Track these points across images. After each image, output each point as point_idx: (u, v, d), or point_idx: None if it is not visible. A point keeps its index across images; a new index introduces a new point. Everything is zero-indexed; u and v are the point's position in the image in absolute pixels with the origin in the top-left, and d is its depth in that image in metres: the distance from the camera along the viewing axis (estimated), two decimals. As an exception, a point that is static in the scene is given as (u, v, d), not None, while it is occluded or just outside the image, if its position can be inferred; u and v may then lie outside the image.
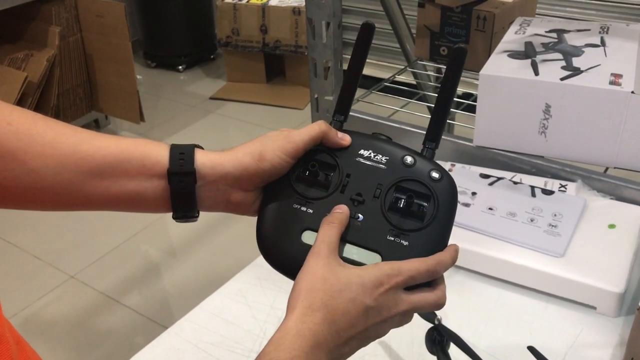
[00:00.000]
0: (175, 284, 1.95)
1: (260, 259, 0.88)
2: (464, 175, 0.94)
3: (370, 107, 1.17)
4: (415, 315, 0.68)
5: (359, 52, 0.56)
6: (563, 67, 0.92)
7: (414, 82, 1.42)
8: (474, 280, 0.83)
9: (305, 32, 1.21)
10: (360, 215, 0.53)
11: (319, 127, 0.54)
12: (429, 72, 1.36)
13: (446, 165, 0.98)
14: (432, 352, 0.67)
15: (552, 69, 0.92)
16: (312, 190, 0.54)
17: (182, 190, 0.52)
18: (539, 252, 0.80)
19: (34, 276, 1.98)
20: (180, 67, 3.38)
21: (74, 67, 2.58)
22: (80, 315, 1.84)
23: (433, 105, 0.58)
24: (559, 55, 0.95)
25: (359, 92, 1.21)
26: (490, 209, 0.87)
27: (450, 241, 0.84)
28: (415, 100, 1.29)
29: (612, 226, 0.83)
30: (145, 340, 0.76)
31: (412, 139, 1.06)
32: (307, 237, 0.52)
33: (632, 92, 0.85)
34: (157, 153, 0.52)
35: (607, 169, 0.93)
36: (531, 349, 0.63)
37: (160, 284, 1.97)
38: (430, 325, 0.68)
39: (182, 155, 0.52)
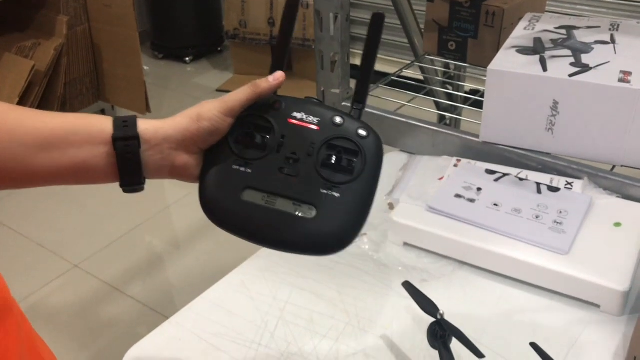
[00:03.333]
0: (178, 275, 1.95)
1: (263, 251, 0.88)
2: (470, 171, 0.94)
3: (377, 101, 1.16)
4: (419, 311, 0.69)
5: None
6: (572, 64, 0.91)
7: (421, 77, 1.41)
8: (478, 276, 0.83)
9: (313, 26, 1.21)
10: (295, 172, 0.57)
11: (252, 86, 0.58)
12: (436, 67, 1.35)
13: (452, 161, 0.98)
14: (434, 346, 0.67)
15: (560, 66, 0.91)
16: (249, 151, 0.59)
17: (128, 155, 0.54)
18: (544, 249, 0.79)
19: (38, 264, 1.99)
20: (187, 58, 3.38)
21: (81, 56, 2.58)
22: (83, 305, 1.84)
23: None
24: (568, 52, 0.94)
25: (366, 85, 1.21)
26: (496, 205, 0.86)
27: (456, 237, 0.84)
28: (423, 95, 1.28)
29: (617, 224, 0.83)
30: (147, 330, 0.76)
31: (418, 134, 1.05)
32: (248, 195, 0.57)
33: (641, 90, 0.84)
34: (102, 122, 0.55)
35: (614, 167, 0.93)
36: (533, 345, 0.62)
37: (164, 274, 1.97)
38: (432, 320, 0.67)
39: (125, 123, 0.55)
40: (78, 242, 2.08)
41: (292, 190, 0.57)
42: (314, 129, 0.59)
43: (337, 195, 0.57)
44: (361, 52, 0.60)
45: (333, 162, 0.57)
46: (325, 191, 0.57)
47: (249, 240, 0.58)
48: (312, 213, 0.57)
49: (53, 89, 2.46)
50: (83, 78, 2.63)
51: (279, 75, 0.60)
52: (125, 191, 0.57)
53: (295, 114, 0.59)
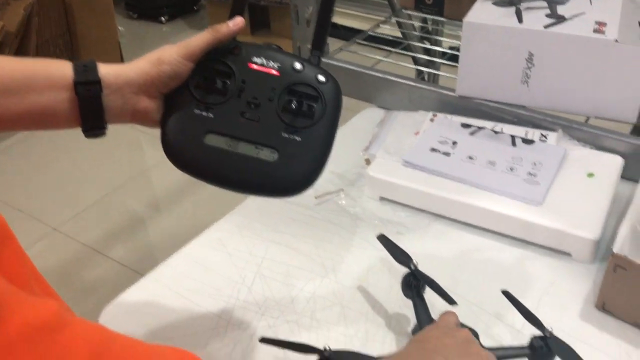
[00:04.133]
0: (159, 236, 1.95)
1: (240, 208, 0.88)
2: (446, 125, 0.94)
3: (354, 57, 1.15)
4: (394, 263, 0.69)
5: None
6: (547, 15, 0.91)
7: (399, 34, 1.40)
8: (453, 228, 0.83)
9: (288, -20, 1.18)
10: (256, 116, 0.58)
11: (212, 31, 0.59)
12: (413, 22, 1.34)
13: (428, 116, 0.97)
14: (408, 296, 0.68)
15: (536, 17, 0.90)
16: (210, 96, 0.59)
17: (89, 99, 0.54)
18: (518, 201, 0.80)
19: (16, 229, 1.95)
20: (162, 18, 3.31)
21: (53, 17, 2.51)
22: (64, 268, 1.84)
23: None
24: (544, 4, 0.94)
25: (342, 42, 1.20)
26: (470, 158, 0.87)
27: (431, 190, 0.85)
28: (400, 50, 1.27)
29: (590, 175, 0.83)
30: (130, 291, 0.76)
31: (395, 89, 1.05)
32: (210, 139, 0.58)
33: (616, 41, 0.84)
34: (62, 67, 0.55)
35: (588, 118, 0.93)
36: (505, 293, 0.63)
37: (145, 236, 1.97)
38: (407, 270, 0.68)
39: (85, 67, 0.55)
40: (56, 205, 2.07)
41: (254, 134, 0.58)
42: (274, 75, 0.59)
43: (298, 139, 0.58)
44: (337, 9, 0.60)
45: (294, 107, 0.58)
46: (286, 135, 0.58)
47: (212, 184, 0.59)
48: (274, 156, 0.58)
49: (25, 51, 2.40)
50: (56, 39, 2.56)
51: (239, 20, 0.60)
52: (87, 136, 0.57)
53: (255, 59, 0.60)
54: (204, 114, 0.58)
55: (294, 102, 0.59)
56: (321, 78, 0.60)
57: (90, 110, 0.54)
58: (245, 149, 0.58)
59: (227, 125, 0.58)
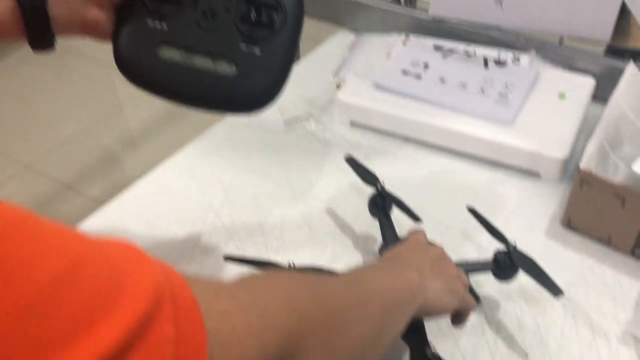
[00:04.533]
0: (135, 173, 1.92)
1: (207, 134, 0.87)
2: (418, 48, 0.91)
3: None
4: (363, 185, 0.68)
5: None
6: None
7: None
8: (424, 151, 0.83)
9: None
10: (213, 27, 0.55)
11: None
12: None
13: (400, 38, 0.95)
14: (374, 215, 0.67)
15: None
16: (164, 5, 0.56)
17: (33, 9, 0.51)
18: (488, 121, 0.79)
19: (-12, 167, 1.94)
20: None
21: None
22: (38, 205, 1.82)
23: None
24: None
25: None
26: (442, 80, 0.85)
27: (402, 113, 0.83)
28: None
29: (562, 96, 0.82)
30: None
31: (368, 12, 1.02)
32: (164, 52, 0.55)
33: (591, -45, 0.81)
34: None
35: (561, 40, 0.92)
36: (471, 210, 0.63)
37: (121, 172, 1.95)
38: (372, 192, 0.68)
39: None
40: (28, 142, 2.03)
41: (210, 46, 0.55)
42: None
43: (257, 51, 0.55)
44: None
45: (252, 17, 0.55)
46: (244, 47, 0.55)
47: (168, 99, 0.56)
48: (232, 70, 0.55)
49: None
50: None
51: None
52: (35, 50, 0.54)
53: None
54: (158, 24, 0.55)
55: (253, 11, 0.56)
56: None
57: (34, 21, 0.51)
58: (201, 62, 0.55)
59: (182, 37, 0.55)
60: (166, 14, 0.56)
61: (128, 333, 0.26)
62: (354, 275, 0.48)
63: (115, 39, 0.56)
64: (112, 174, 1.92)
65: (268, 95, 0.57)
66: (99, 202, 0.77)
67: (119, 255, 0.29)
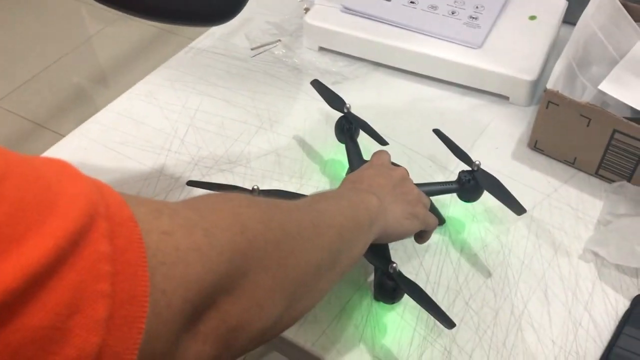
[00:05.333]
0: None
1: (172, 61, 0.84)
2: (388, -31, 0.88)
3: None
4: (331, 110, 0.67)
5: None
6: None
7: None
8: (393, 77, 0.81)
9: None
10: None
11: None
12: None
13: (370, -40, 0.92)
14: (341, 140, 0.67)
15: None
16: None
17: None
18: (458, 44, 0.78)
19: (-46, 105, 1.88)
20: None
21: None
22: (8, 143, 1.78)
23: None
24: None
25: None
26: (412, 2, 0.83)
27: (371, 37, 0.81)
28: None
29: (532, 17, 0.81)
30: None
31: None
32: None
33: None
34: None
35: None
36: (436, 131, 0.63)
37: (93, 109, 1.90)
38: (340, 115, 0.67)
39: None
40: (-5, 79, 1.97)
41: None
42: None
43: None
44: None
45: None
46: None
47: (129, 13, 0.53)
48: None
49: None
50: None
51: None
52: None
53: None
54: None
55: None
56: None
57: None
58: None
59: None
60: None
61: (58, 248, 0.25)
62: (312, 200, 0.47)
63: None
64: (83, 111, 1.88)
65: (230, 4, 0.54)
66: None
67: (50, 171, 0.27)
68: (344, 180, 0.56)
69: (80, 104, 1.91)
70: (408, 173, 0.59)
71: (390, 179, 0.55)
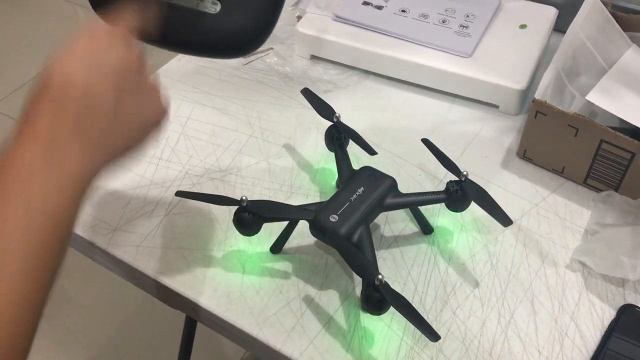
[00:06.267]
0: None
1: (163, 70, 0.84)
2: (380, -22, 0.89)
3: None
4: (322, 120, 0.67)
5: None
6: None
7: None
8: (383, 85, 0.82)
9: None
10: None
11: None
12: None
13: (362, -32, 0.92)
14: (330, 149, 0.67)
15: None
16: None
17: None
18: (448, 53, 0.78)
19: (-50, 109, 1.89)
20: None
21: None
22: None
23: None
24: None
25: None
26: (403, 11, 0.83)
27: (362, 45, 0.82)
28: None
29: (523, 26, 0.81)
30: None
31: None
32: None
33: None
34: None
35: (526, -32, 0.90)
36: (425, 141, 0.63)
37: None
38: (330, 124, 0.67)
39: None
40: (-9, 83, 1.97)
41: None
42: None
43: None
44: None
45: None
46: None
47: (147, 42, 0.51)
48: (216, 7, 0.51)
49: None
50: None
51: None
52: None
53: None
54: None
55: None
56: None
57: None
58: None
59: None
60: None
61: None
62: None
63: None
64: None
65: (257, 35, 0.53)
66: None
67: None
68: (23, 121, 0.40)
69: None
70: (395, 183, 0.59)
71: (108, 82, 0.40)
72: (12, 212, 0.35)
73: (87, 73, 0.40)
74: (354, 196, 0.58)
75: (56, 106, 0.39)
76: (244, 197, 0.56)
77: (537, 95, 0.65)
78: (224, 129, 0.76)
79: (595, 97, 0.65)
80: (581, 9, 0.73)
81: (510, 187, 0.68)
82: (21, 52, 2.07)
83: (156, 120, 0.45)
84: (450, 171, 0.61)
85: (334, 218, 0.56)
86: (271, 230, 0.62)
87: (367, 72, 0.83)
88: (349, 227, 0.55)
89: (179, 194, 0.60)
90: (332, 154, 0.67)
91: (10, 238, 0.35)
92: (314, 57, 0.85)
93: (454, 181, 0.59)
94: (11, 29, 2.16)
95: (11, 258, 0.34)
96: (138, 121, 0.43)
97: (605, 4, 0.74)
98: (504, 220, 0.57)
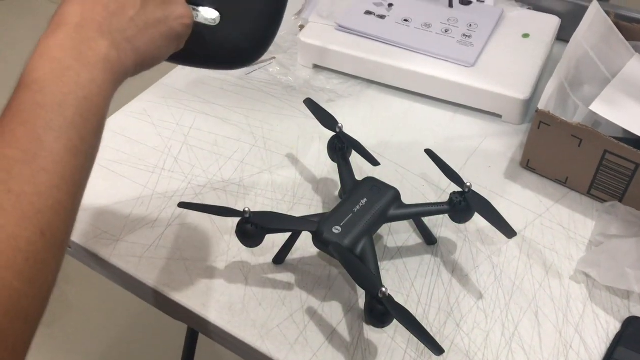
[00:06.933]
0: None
1: (166, 79, 0.84)
2: (382, -13, 0.89)
3: None
4: (324, 129, 0.67)
5: None
6: None
7: None
8: (386, 94, 0.82)
9: None
10: None
11: None
12: None
13: (365, -23, 0.92)
14: (333, 159, 0.67)
15: None
16: None
17: None
18: (451, 63, 0.78)
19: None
20: None
21: None
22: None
23: None
24: None
25: None
26: (406, 20, 0.83)
27: (364, 55, 0.82)
28: None
29: (526, 36, 0.81)
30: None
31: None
32: None
33: None
34: None
35: (528, -23, 0.90)
36: (428, 152, 0.63)
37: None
38: (333, 133, 0.67)
39: None
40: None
41: None
42: None
43: None
44: None
45: None
46: None
47: None
48: (216, 18, 0.51)
49: None
50: None
51: None
52: None
53: None
54: None
55: None
56: None
57: None
58: None
59: None
60: None
61: None
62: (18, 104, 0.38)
63: None
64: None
65: (258, 46, 0.53)
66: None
67: None
68: (53, 25, 0.43)
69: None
70: (398, 194, 0.59)
71: None
72: (49, 94, 0.38)
73: None
74: (357, 207, 0.58)
75: (86, 6, 0.42)
76: (246, 209, 0.56)
77: (541, 105, 0.65)
78: (226, 138, 0.76)
79: (598, 108, 0.65)
80: (584, 18, 0.73)
81: (513, 197, 0.68)
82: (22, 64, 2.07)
83: (180, 25, 0.46)
84: (454, 182, 0.60)
85: (337, 230, 0.55)
86: (274, 241, 0.62)
87: (370, 82, 0.83)
88: (352, 239, 0.55)
89: (182, 205, 0.60)
90: (335, 164, 0.67)
91: (49, 119, 0.37)
92: (316, 67, 0.85)
93: (458, 192, 0.59)
94: (14, 40, 2.17)
95: (51, 137, 0.37)
96: (163, 24, 0.45)
97: (608, 13, 0.74)
98: (508, 232, 0.57)
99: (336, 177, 0.67)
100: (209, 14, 0.51)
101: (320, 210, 0.67)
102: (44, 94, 0.38)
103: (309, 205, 0.68)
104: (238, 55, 0.53)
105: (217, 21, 0.51)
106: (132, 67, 0.44)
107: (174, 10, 0.46)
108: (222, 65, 0.56)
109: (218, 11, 0.50)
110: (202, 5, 0.51)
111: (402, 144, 0.75)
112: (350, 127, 0.67)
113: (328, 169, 0.71)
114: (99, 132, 0.42)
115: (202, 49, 0.52)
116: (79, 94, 0.39)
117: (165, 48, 0.47)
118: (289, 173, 0.71)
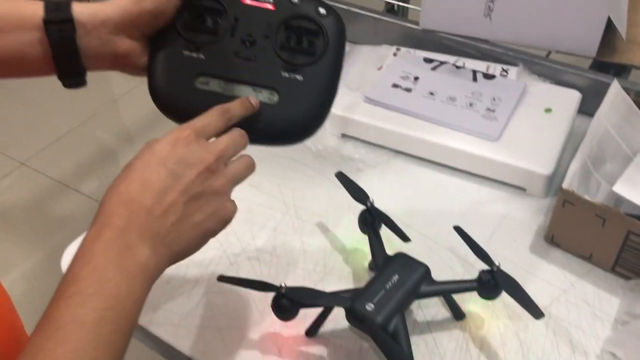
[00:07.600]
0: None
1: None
2: (408, 60, 0.93)
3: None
4: (353, 202, 0.70)
5: None
6: (512, -54, 0.89)
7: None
8: (412, 164, 0.85)
9: None
10: (252, 55, 0.54)
11: None
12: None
13: (391, 50, 0.97)
14: (364, 232, 0.69)
15: (500, -53, 0.88)
16: (201, 35, 0.55)
17: (62, 40, 0.50)
18: (475, 136, 0.81)
19: (-16, 164, 1.95)
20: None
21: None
22: (33, 203, 1.83)
23: None
24: None
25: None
26: (431, 94, 0.87)
27: (391, 126, 0.85)
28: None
29: (548, 110, 0.84)
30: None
31: (360, 22, 1.03)
32: (202, 82, 0.54)
33: (578, -27, 0.83)
34: (33, 6, 0.50)
35: (549, 53, 0.93)
36: (457, 229, 0.65)
37: (117, 168, 1.95)
38: (363, 207, 0.70)
39: (57, 6, 0.50)
40: (23, 139, 2.04)
41: (250, 74, 0.54)
42: (269, 9, 0.55)
43: (299, 78, 0.54)
44: None
45: (293, 43, 0.54)
46: (286, 74, 0.54)
47: None
48: (275, 98, 0.54)
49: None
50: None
51: None
52: (65, 85, 0.53)
53: None
54: (194, 55, 0.54)
55: (293, 37, 0.54)
56: (322, 11, 0.55)
57: (63, 53, 0.50)
58: (241, 91, 0.54)
59: (220, 66, 0.54)
60: (203, 44, 0.54)
61: None
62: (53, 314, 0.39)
63: (150, 71, 0.55)
64: (108, 170, 1.94)
65: (314, 122, 0.56)
66: (95, 199, 0.78)
67: None
68: (98, 223, 0.46)
69: (105, 163, 1.96)
70: (428, 270, 0.61)
71: (182, 189, 0.46)
72: (89, 310, 0.40)
73: (163, 179, 0.46)
74: (389, 284, 0.60)
75: (132, 208, 0.45)
76: (282, 284, 0.58)
77: (565, 184, 0.67)
78: (259, 205, 0.79)
79: (621, 188, 0.67)
80: (605, 97, 0.76)
81: (538, 272, 0.70)
82: (53, 110, 2.14)
83: (218, 224, 0.49)
84: (482, 260, 0.63)
85: (370, 307, 0.58)
86: (306, 313, 0.64)
87: (397, 151, 0.86)
88: (385, 316, 0.57)
89: (221, 279, 0.62)
90: (364, 234, 0.69)
91: (87, 340, 0.39)
92: (345, 136, 0.89)
93: (487, 271, 0.61)
94: (42, 85, 2.25)
95: (86, 349, 0.39)
96: (201, 226, 0.48)
97: (628, 91, 0.77)
98: (536, 313, 0.59)
99: (366, 248, 0.69)
100: (268, 94, 0.54)
101: (350, 281, 0.69)
102: (85, 310, 0.40)
103: (339, 276, 0.70)
104: (296, 132, 0.57)
105: (276, 100, 0.54)
106: (166, 267, 0.47)
107: (214, 212, 0.48)
108: (279, 142, 0.59)
109: (277, 92, 0.54)
110: (264, 87, 0.54)
111: (429, 215, 0.77)
112: (379, 198, 0.70)
113: (358, 239, 0.74)
114: (129, 338, 0.43)
115: (262, 127, 0.55)
116: (116, 310, 0.41)
117: (199, 246, 0.49)
118: (319, 242, 0.74)
